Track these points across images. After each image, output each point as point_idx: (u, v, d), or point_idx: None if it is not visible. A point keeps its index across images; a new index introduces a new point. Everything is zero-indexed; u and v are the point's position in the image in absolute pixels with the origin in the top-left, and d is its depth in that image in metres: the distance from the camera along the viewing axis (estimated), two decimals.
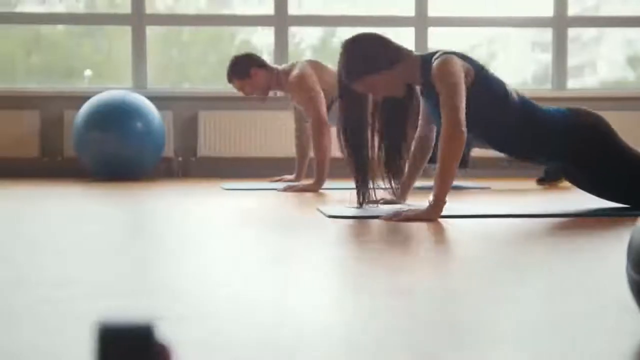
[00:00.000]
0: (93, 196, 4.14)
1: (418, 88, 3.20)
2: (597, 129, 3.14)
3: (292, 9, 6.48)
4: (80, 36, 6.87)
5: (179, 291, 1.59)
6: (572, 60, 6.73)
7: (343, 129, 3.20)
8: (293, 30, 6.66)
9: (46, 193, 4.36)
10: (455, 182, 5.28)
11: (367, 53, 3.11)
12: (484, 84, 3.07)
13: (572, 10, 6.64)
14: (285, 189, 4.55)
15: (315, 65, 4.84)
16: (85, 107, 5.60)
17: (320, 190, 4.61)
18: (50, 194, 4.27)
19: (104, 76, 6.83)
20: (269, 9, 6.44)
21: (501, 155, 3.36)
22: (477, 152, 4.99)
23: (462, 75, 2.99)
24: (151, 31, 6.52)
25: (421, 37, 6.45)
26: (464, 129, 2.91)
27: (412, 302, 1.47)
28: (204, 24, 6.72)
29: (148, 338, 0.78)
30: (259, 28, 6.67)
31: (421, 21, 6.46)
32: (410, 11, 6.47)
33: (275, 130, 6.28)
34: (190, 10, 6.83)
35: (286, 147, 6.17)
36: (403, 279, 1.72)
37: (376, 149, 3.22)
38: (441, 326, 1.28)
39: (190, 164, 6.30)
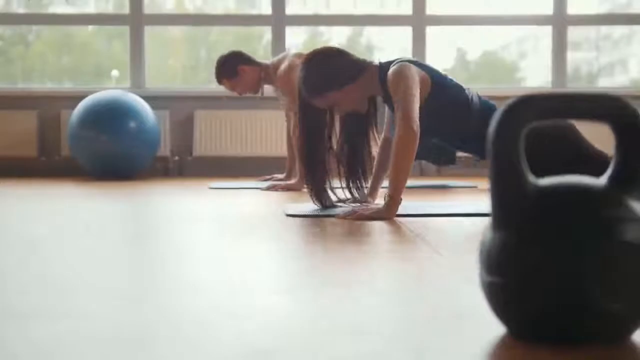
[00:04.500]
0: (77, 196, 4.18)
1: (379, 97, 3.19)
2: (557, 126, 3.10)
3: (322, 9, 6.50)
4: (110, 37, 6.96)
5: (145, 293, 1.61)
6: (603, 59, 6.62)
7: (302, 142, 3.18)
8: (322, 29, 6.67)
9: (41, 192, 4.40)
10: (442, 181, 5.27)
11: (328, 69, 3.08)
12: (442, 91, 3.07)
13: (603, 8, 6.51)
14: (268, 188, 4.56)
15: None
16: (80, 107, 5.64)
17: (304, 189, 4.60)
18: (44, 193, 4.31)
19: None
20: (292, 8, 6.44)
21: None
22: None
23: (416, 79, 2.98)
24: (179, 31, 6.62)
25: (419, 37, 6.43)
26: (417, 128, 2.90)
27: (371, 295, 1.48)
28: (201, 24, 6.74)
29: None
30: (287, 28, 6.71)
31: (419, 20, 6.44)
32: (407, 10, 6.45)
33: (271, 130, 6.29)
34: (218, 10, 6.91)
35: (283, 146, 6.17)
36: (362, 274, 1.73)
37: (337, 162, 3.21)
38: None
39: (186, 163, 6.33)
